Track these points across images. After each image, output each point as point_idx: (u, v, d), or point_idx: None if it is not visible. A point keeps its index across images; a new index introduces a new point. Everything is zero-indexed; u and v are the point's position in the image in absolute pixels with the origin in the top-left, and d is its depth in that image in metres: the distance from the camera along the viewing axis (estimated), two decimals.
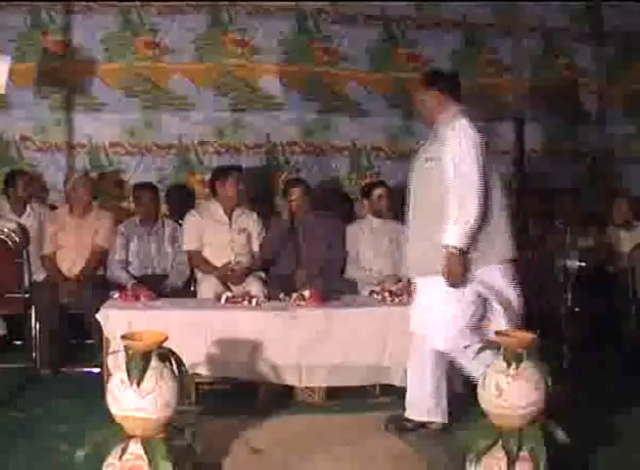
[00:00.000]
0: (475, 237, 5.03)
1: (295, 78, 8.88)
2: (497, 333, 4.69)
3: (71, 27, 8.50)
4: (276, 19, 8.83)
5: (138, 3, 8.57)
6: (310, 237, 7.35)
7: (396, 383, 6.16)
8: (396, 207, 8.09)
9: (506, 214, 5.20)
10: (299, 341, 6.05)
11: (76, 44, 8.49)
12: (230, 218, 7.42)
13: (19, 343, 7.36)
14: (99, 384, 5.77)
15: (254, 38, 8.78)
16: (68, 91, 8.51)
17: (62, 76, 8.47)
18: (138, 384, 4.18)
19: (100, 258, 7.48)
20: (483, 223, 5.05)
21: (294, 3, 8.84)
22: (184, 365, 4.51)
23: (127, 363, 4.23)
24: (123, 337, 4.40)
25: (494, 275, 5.21)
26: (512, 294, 5.27)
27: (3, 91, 5.81)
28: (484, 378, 4.52)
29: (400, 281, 7.19)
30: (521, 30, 6.47)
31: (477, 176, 4.96)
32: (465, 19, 9.12)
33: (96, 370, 6.43)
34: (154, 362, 4.28)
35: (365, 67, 9.00)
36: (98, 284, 7.14)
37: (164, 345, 4.41)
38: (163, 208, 8.27)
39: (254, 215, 7.56)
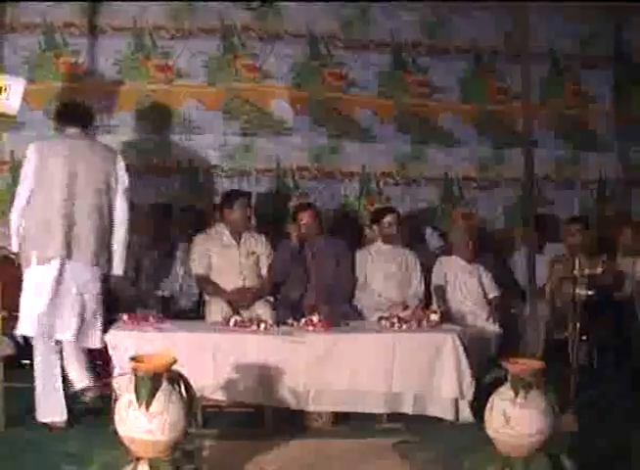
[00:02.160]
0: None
1: (305, 103, 8.88)
2: (506, 360, 4.69)
3: (84, 49, 8.55)
4: (287, 44, 8.85)
5: (151, 26, 8.62)
6: (319, 262, 7.37)
7: (406, 410, 6.18)
8: (406, 233, 8.17)
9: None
10: (307, 365, 6.07)
11: (89, 66, 8.54)
12: (238, 242, 7.44)
13: (27, 362, 7.34)
14: (107, 405, 5.78)
15: (266, 63, 8.80)
16: None
17: (74, 99, 8.49)
18: (147, 406, 4.20)
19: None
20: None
21: (305, 28, 8.88)
22: (192, 388, 4.52)
23: (136, 386, 4.25)
24: (132, 359, 4.42)
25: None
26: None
27: (16, 113, 5.83)
28: (491, 405, 4.53)
29: (408, 307, 7.22)
30: (530, 56, 6.46)
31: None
32: (474, 45, 9.14)
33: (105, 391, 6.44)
34: (162, 385, 4.30)
35: (375, 92, 9.00)
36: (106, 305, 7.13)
37: (173, 368, 4.43)
38: (175, 229, 8.27)
39: (263, 238, 7.59)
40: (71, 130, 6.35)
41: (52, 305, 5.98)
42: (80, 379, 6.25)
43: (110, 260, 6.31)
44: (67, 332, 6.07)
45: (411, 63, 9.09)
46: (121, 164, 6.38)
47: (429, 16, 9.06)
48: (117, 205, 6.31)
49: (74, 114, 6.48)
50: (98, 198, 6.19)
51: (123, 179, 6.34)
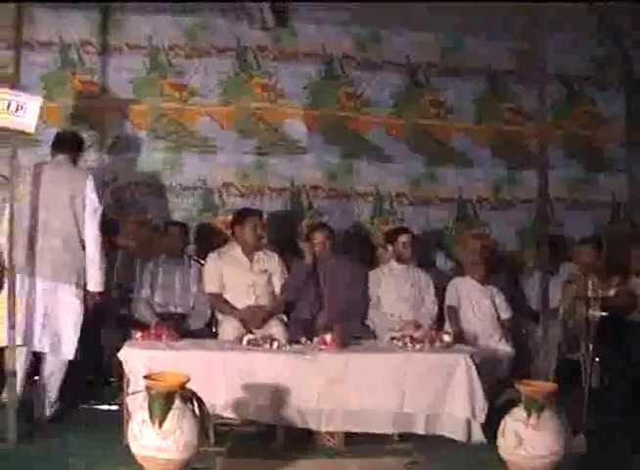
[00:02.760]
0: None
1: (319, 123, 8.93)
2: (519, 382, 4.70)
3: (100, 67, 8.62)
4: (302, 63, 8.91)
5: (166, 45, 8.68)
6: (332, 281, 7.39)
7: (417, 430, 6.16)
8: (419, 253, 8.18)
9: None
10: (319, 385, 6.07)
11: (105, 85, 8.60)
12: (251, 260, 7.46)
13: (37, 378, 7.35)
14: (118, 422, 5.80)
15: (280, 82, 8.86)
16: (95, 131, 8.60)
17: (90, 116, 8.56)
18: (160, 424, 4.22)
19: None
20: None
21: (320, 48, 8.92)
22: (205, 406, 4.54)
23: (149, 404, 4.27)
24: (146, 377, 4.44)
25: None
26: None
27: (33, 131, 5.86)
28: (504, 427, 4.53)
29: (421, 327, 7.22)
30: (545, 78, 6.48)
31: None
32: (488, 66, 9.17)
33: (116, 408, 6.46)
34: (176, 403, 4.32)
35: (389, 112, 9.04)
36: (119, 322, 7.16)
37: (186, 386, 4.44)
38: (191, 247, 8.30)
39: (276, 257, 7.60)
40: (59, 157, 6.80)
41: (28, 317, 6.25)
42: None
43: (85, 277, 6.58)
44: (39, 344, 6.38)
45: (425, 83, 9.13)
46: (91, 185, 6.66)
47: (443, 36, 9.09)
48: (87, 225, 6.57)
49: (64, 143, 6.97)
50: (67, 219, 6.53)
51: (92, 199, 6.62)
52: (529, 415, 4.41)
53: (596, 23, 8.23)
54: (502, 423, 4.57)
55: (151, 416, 4.22)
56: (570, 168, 9.24)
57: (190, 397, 4.46)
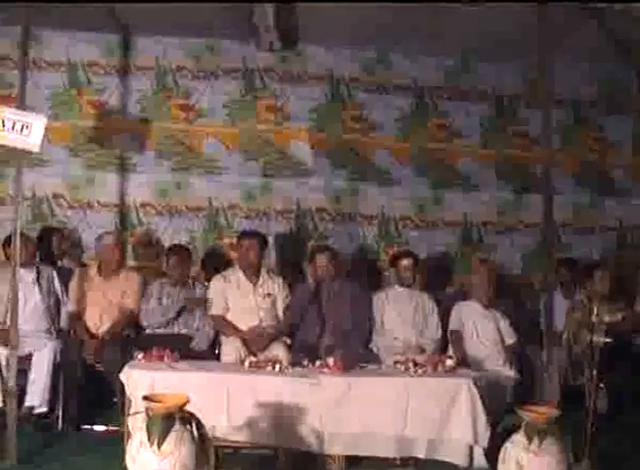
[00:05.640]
0: None
1: (325, 145, 8.97)
2: (520, 407, 4.66)
3: (108, 88, 8.66)
4: (309, 86, 8.96)
5: (173, 66, 8.72)
6: (335, 304, 7.36)
7: (419, 454, 6.11)
8: (423, 277, 8.16)
9: None
10: (321, 408, 6.01)
11: (112, 104, 8.64)
12: (254, 283, 7.45)
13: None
14: (119, 443, 5.77)
15: (286, 104, 8.91)
16: (103, 151, 8.65)
17: (96, 135, 8.59)
18: (158, 446, 4.19)
19: (128, 320, 7.53)
20: None
21: (327, 70, 8.94)
22: (204, 428, 4.50)
23: (148, 425, 4.24)
24: (145, 398, 4.41)
25: None
26: None
27: (38, 150, 5.88)
28: (504, 453, 4.49)
29: (425, 351, 7.19)
30: (552, 102, 6.48)
31: None
32: (495, 90, 9.19)
33: (117, 429, 6.44)
34: (174, 425, 4.28)
35: (395, 135, 9.07)
36: (122, 343, 7.14)
37: (186, 407, 4.41)
38: (194, 270, 8.26)
39: (280, 280, 7.58)
40: None
41: None
42: None
43: None
44: None
45: (432, 106, 9.15)
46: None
47: (450, 60, 9.11)
48: None
49: None
50: None
51: None
52: (530, 441, 4.36)
53: (604, 38, 8.19)
54: (502, 449, 4.52)
55: (149, 437, 4.19)
56: (577, 193, 9.25)
57: (189, 418, 4.43)
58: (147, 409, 4.33)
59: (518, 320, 7.99)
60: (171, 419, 4.30)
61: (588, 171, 9.35)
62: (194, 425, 4.45)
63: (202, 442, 4.46)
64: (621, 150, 9.47)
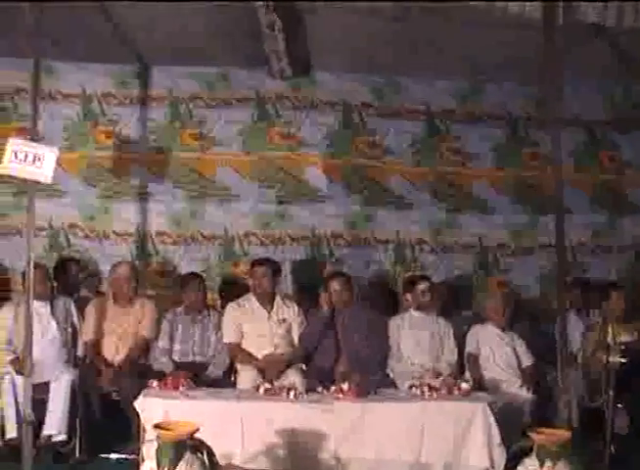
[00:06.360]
0: None
1: (339, 171, 9.00)
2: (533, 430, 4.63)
3: (122, 118, 8.74)
4: (321, 112, 9.00)
5: (186, 96, 8.79)
6: (350, 330, 7.32)
7: None
8: (440, 300, 8.14)
9: None
10: (336, 434, 6.00)
11: (126, 134, 8.71)
12: (269, 310, 7.45)
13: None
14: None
15: (300, 131, 8.95)
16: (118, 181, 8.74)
17: (111, 166, 8.66)
18: None
19: (143, 348, 7.55)
20: None
21: (339, 96, 8.98)
22: (215, 456, 4.50)
23: (157, 452, 4.25)
24: (156, 426, 4.42)
25: None
26: None
27: (50, 181, 5.91)
28: None
29: (441, 375, 7.16)
30: (561, 123, 6.46)
31: None
32: (508, 112, 9.20)
33: (134, 457, 6.44)
34: (184, 453, 4.29)
35: (409, 160, 9.09)
36: (139, 372, 7.15)
37: (197, 435, 4.42)
38: (210, 297, 8.26)
39: (295, 306, 7.57)
40: None
41: None
42: None
43: None
44: None
45: (445, 130, 9.15)
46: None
47: (462, 83, 9.12)
48: None
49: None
50: None
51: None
52: (542, 464, 4.32)
53: (617, 57, 8.19)
54: None
55: (158, 465, 4.20)
56: (593, 213, 9.21)
57: (200, 446, 4.44)
58: (157, 437, 4.35)
59: (535, 343, 7.96)
60: (182, 447, 4.31)
61: (604, 191, 9.32)
62: (204, 453, 4.45)
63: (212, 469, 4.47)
64: (637, 168, 9.42)
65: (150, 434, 5.66)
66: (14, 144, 5.77)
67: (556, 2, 6.27)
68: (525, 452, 4.65)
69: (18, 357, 7.03)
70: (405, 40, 7.80)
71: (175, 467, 4.23)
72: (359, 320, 7.42)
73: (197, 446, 4.42)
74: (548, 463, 4.33)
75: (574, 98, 8.57)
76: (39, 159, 5.79)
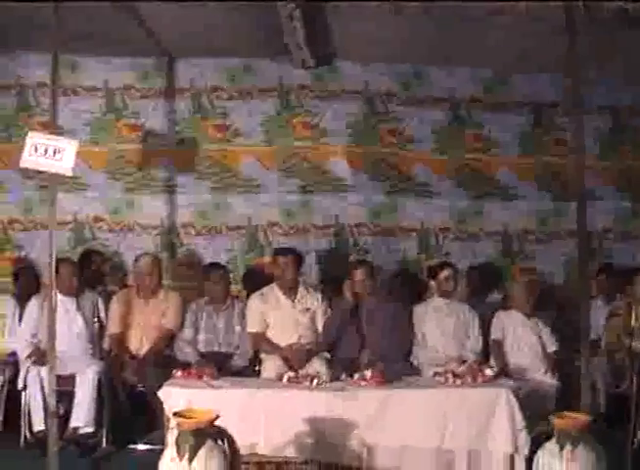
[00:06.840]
0: None
1: (363, 161, 8.98)
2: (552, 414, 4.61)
3: (145, 111, 8.78)
4: (344, 101, 8.98)
5: (209, 88, 8.81)
6: (373, 319, 7.31)
7: (459, 468, 6.06)
8: (465, 287, 8.12)
9: None
10: (359, 421, 5.98)
11: (149, 127, 8.74)
12: (293, 299, 7.46)
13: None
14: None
15: (323, 121, 8.94)
16: (140, 173, 8.80)
17: (134, 159, 8.70)
18: (188, 461, 4.21)
19: (168, 339, 7.60)
20: None
21: (362, 85, 8.97)
22: (236, 444, 4.52)
23: (177, 440, 4.27)
24: (175, 414, 4.45)
25: None
26: None
27: (70, 174, 5.94)
28: (537, 461, 4.44)
29: (465, 362, 7.14)
30: (582, 110, 6.41)
31: None
32: (532, 99, 9.15)
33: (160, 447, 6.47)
34: (205, 440, 4.30)
35: (432, 148, 9.07)
36: (163, 363, 7.19)
37: (218, 423, 4.43)
38: (234, 288, 8.29)
39: (319, 295, 7.57)
40: None
41: None
42: None
43: None
44: None
45: (467, 118, 9.13)
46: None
47: (485, 72, 9.09)
48: None
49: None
50: None
51: None
52: (562, 448, 4.31)
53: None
54: (535, 458, 4.48)
55: (178, 453, 4.23)
56: (617, 199, 9.15)
57: (220, 434, 4.45)
58: (177, 425, 4.37)
59: (561, 329, 7.93)
60: (202, 435, 4.33)
61: (628, 177, 9.25)
62: (225, 441, 4.47)
63: (233, 458, 4.48)
64: None
65: (171, 422, 5.72)
66: (33, 137, 5.81)
67: None
68: (547, 437, 4.63)
69: (38, 348, 7.11)
70: (428, 29, 7.77)
71: (195, 455, 4.24)
72: (383, 310, 7.41)
73: (217, 435, 4.44)
74: (568, 447, 4.32)
75: (598, 85, 8.52)
76: (59, 151, 5.82)
